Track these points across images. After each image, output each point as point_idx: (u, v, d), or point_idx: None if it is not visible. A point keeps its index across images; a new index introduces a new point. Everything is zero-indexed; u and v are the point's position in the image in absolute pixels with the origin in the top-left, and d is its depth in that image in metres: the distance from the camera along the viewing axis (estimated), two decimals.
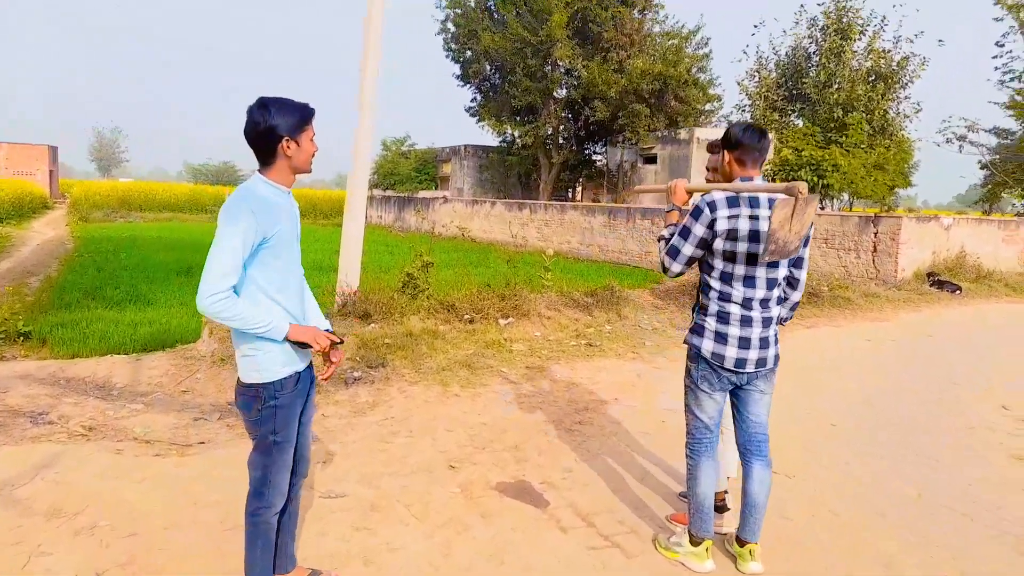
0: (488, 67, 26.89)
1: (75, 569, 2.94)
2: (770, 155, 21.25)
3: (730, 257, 2.95)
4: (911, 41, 24.80)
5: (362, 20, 7.45)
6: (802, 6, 26.84)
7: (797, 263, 3.14)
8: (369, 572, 3.04)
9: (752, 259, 2.93)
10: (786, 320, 3.26)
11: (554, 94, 25.70)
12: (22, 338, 7.12)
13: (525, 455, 4.47)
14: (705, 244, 2.98)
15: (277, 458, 2.55)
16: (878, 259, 13.79)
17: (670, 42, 25.11)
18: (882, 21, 24.65)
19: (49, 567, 2.95)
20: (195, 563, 3.02)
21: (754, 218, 2.91)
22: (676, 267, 3.05)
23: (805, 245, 3.09)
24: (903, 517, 3.82)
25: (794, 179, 16.35)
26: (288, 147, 2.43)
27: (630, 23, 24.49)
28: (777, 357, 3.09)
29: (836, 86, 24.96)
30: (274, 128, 2.39)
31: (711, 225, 2.93)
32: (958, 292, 13.06)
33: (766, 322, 3.03)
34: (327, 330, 2.67)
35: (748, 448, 3.16)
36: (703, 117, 26.77)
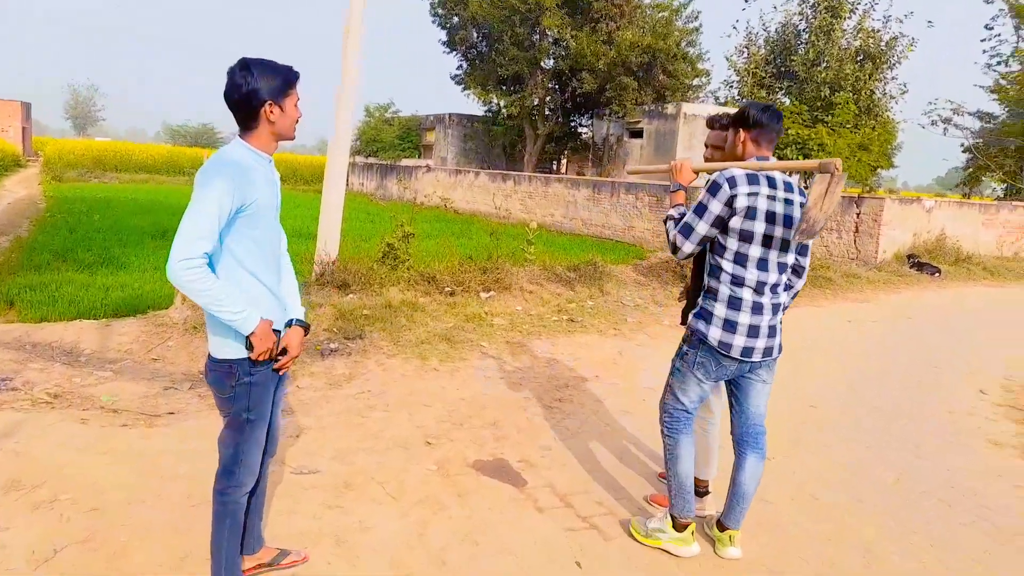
0: (475, 34, 26.40)
1: (31, 545, 2.82)
2: None
3: (747, 237, 2.80)
4: (900, 21, 24.71)
5: None
6: None
7: (802, 250, 3.03)
8: (341, 552, 2.95)
9: (767, 241, 2.81)
10: (785, 308, 3.10)
11: (541, 64, 25.33)
12: None
13: (504, 432, 4.39)
14: (721, 223, 2.81)
15: (250, 436, 2.45)
16: (860, 240, 13.81)
17: (660, 14, 24.79)
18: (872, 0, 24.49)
19: (4, 543, 2.83)
20: (158, 540, 2.91)
21: (772, 198, 2.79)
22: (688, 247, 2.87)
23: None
24: (883, 503, 3.80)
25: (780, 158, 16.26)
26: (271, 112, 2.30)
27: None
28: (781, 346, 2.99)
29: (824, 65, 24.84)
30: (256, 91, 2.25)
31: (730, 202, 2.77)
32: (937, 275, 13.14)
33: (775, 309, 2.91)
34: (298, 320, 2.54)
35: (745, 440, 3.08)
36: (691, 92, 26.55)
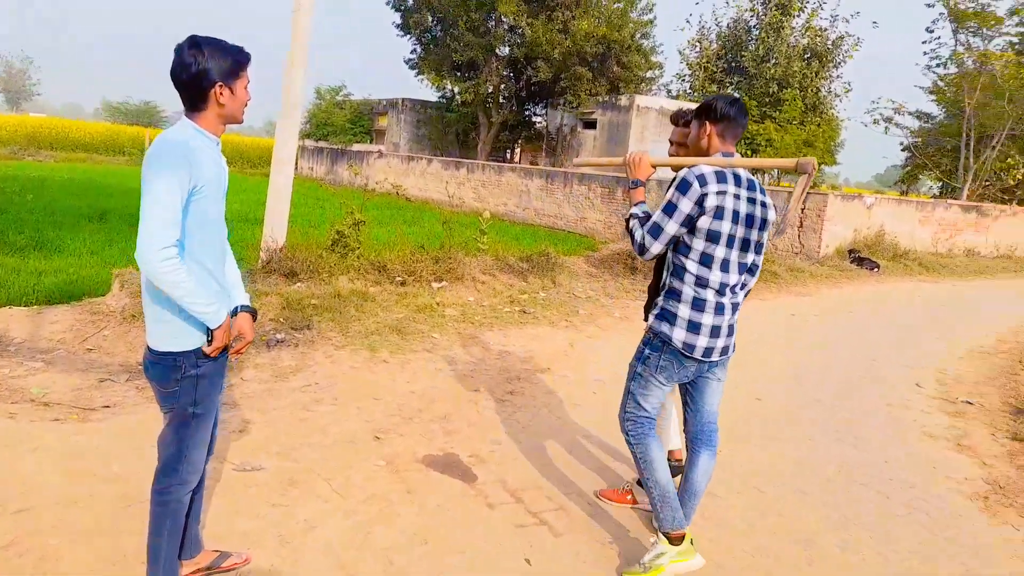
0: (430, 18, 26.00)
1: None
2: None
3: (714, 238, 2.71)
4: (847, 21, 25.39)
5: None
6: None
7: (758, 249, 2.93)
8: (284, 553, 2.87)
9: (732, 241, 2.74)
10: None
11: (497, 51, 25.13)
12: None
13: (454, 426, 4.35)
14: (690, 222, 2.70)
15: (195, 432, 2.36)
16: (803, 235, 14.17)
17: (616, 5, 24.82)
18: None
19: None
20: (90, 544, 2.78)
21: (738, 197, 2.73)
22: (657, 247, 2.75)
23: (763, 228, 2.87)
24: (824, 495, 3.90)
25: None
26: (221, 94, 2.20)
27: None
28: (735, 344, 2.97)
29: (773, 61, 25.36)
30: (207, 72, 2.16)
31: (700, 201, 2.67)
32: (876, 269, 13.57)
33: (734, 308, 2.87)
34: (245, 307, 2.46)
35: (699, 439, 3.06)
36: (644, 84, 26.75)
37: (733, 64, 27.09)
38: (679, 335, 2.80)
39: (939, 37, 23.76)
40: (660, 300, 2.93)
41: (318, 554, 2.88)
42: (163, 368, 2.27)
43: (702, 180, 2.69)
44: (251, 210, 13.33)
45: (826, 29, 25.91)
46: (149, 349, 2.30)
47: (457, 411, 4.61)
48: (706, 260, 2.75)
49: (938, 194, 27.10)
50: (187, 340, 2.26)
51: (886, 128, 24.99)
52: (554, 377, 5.53)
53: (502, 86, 26.14)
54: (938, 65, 24.21)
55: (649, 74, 26.74)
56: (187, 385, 2.28)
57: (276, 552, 2.86)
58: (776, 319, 8.63)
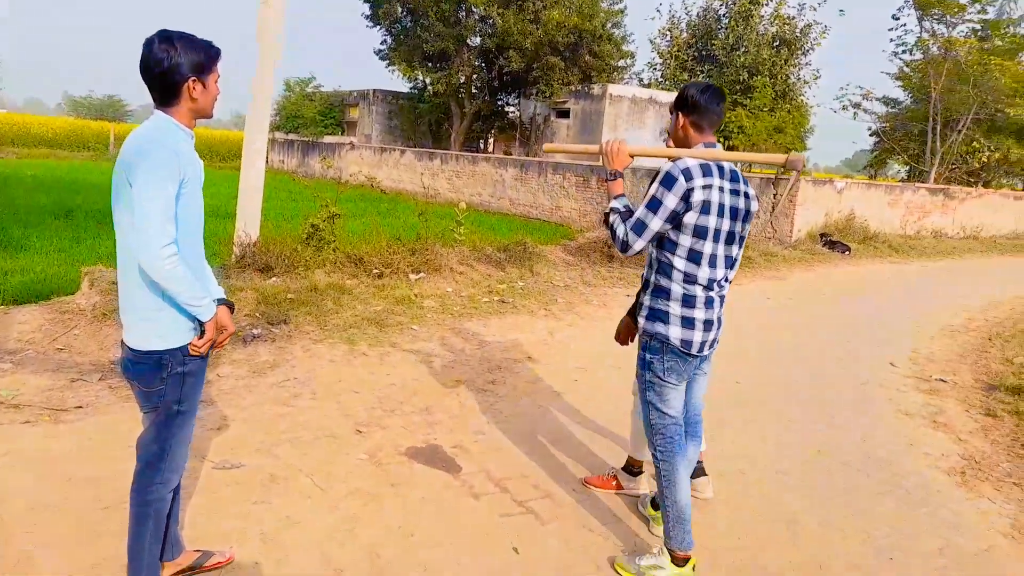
0: (399, 8, 25.73)
1: None
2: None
3: (701, 233, 2.64)
4: (814, 9, 25.62)
5: None
6: None
7: (740, 241, 2.86)
8: (268, 550, 2.82)
9: (718, 236, 2.68)
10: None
11: (468, 41, 24.96)
12: None
13: (436, 418, 4.31)
14: (675, 217, 2.61)
15: (179, 430, 2.33)
16: (776, 219, 14.31)
17: None
18: None
19: None
20: (66, 549, 2.70)
21: (723, 190, 2.66)
22: (640, 244, 2.65)
23: (747, 221, 2.82)
24: (805, 475, 3.94)
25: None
26: (194, 88, 2.19)
27: None
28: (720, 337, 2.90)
29: (743, 49, 25.56)
30: (179, 66, 2.14)
31: (686, 196, 2.58)
32: (848, 252, 13.76)
33: (722, 301, 2.81)
34: (221, 299, 2.41)
35: (686, 431, 3.02)
36: (616, 73, 26.78)
37: (704, 53, 27.24)
38: (675, 332, 2.72)
39: (905, 24, 24.19)
40: (647, 299, 2.82)
41: (302, 550, 2.84)
42: (147, 367, 2.24)
43: (687, 174, 2.59)
44: (222, 204, 13.09)
45: (794, 17, 26.16)
46: (131, 349, 2.25)
47: (439, 402, 4.57)
48: (694, 256, 2.68)
49: (906, 178, 27.55)
50: (174, 338, 2.23)
51: (855, 114, 25.35)
52: (535, 366, 5.51)
53: (474, 76, 25.98)
54: (904, 51, 24.61)
55: (621, 63, 26.75)
56: (172, 383, 2.26)
57: (259, 550, 2.81)
58: (751, 303, 8.71)
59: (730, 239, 2.74)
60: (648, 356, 2.81)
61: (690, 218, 2.62)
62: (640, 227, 2.65)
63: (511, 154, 25.57)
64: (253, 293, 6.20)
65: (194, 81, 2.18)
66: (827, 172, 75.06)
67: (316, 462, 3.59)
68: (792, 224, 14.06)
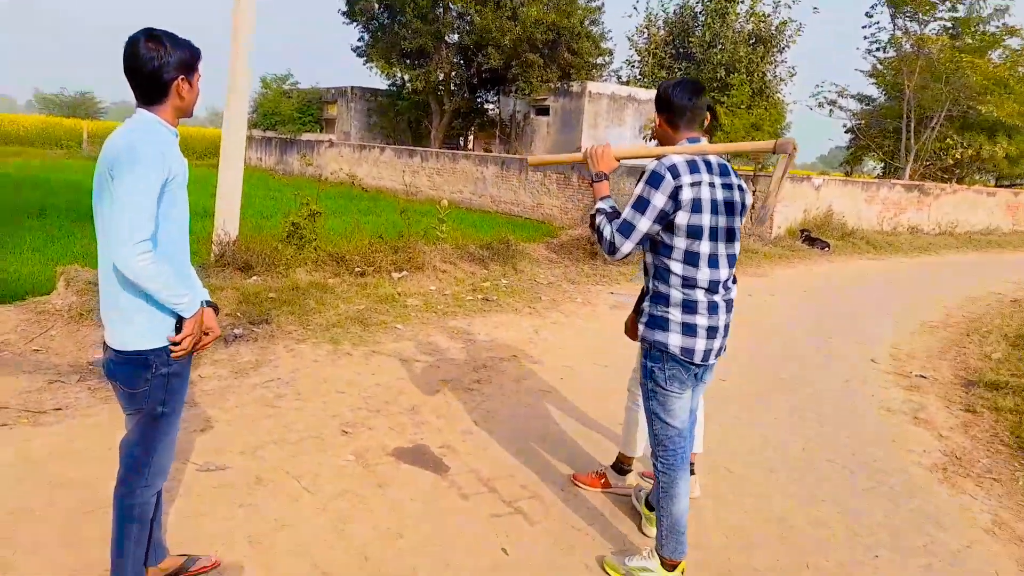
0: (376, 5, 25.55)
1: None
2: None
3: (696, 233, 2.53)
4: (789, 7, 25.83)
5: None
6: None
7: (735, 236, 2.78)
8: (255, 554, 2.77)
9: (715, 234, 2.57)
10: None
11: (446, 39, 24.84)
12: None
13: (423, 418, 4.28)
14: (664, 217, 2.51)
15: (164, 433, 2.29)
16: (756, 216, 14.41)
17: None
18: None
19: None
20: (47, 555, 2.64)
21: (713, 185, 2.54)
22: (628, 246, 2.54)
23: (742, 214, 2.73)
24: (792, 473, 3.96)
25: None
26: (182, 87, 2.17)
27: None
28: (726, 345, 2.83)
29: (720, 47, 25.71)
30: (168, 65, 2.12)
31: (675, 194, 2.48)
32: (827, 249, 13.91)
33: (728, 306, 2.69)
34: (206, 301, 2.38)
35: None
36: (595, 71, 26.83)
37: (681, 50, 27.37)
38: (675, 340, 2.61)
39: (878, 22, 24.48)
40: (647, 306, 2.72)
41: (290, 553, 2.80)
42: (132, 368, 2.20)
43: (674, 171, 2.50)
44: (201, 202, 12.85)
45: (769, 15, 26.38)
46: (114, 350, 2.21)
47: (425, 402, 4.54)
48: (691, 259, 2.56)
49: (881, 174, 27.90)
50: (158, 337, 2.20)
51: (830, 111, 25.62)
52: (521, 364, 5.50)
53: (453, 73, 25.86)
54: (878, 49, 24.87)
55: (599, 60, 26.81)
56: (157, 384, 2.22)
57: (246, 553, 2.77)
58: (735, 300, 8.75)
59: (729, 236, 2.64)
60: (649, 364, 2.71)
61: (682, 218, 2.52)
62: (627, 228, 2.55)
63: (491, 151, 25.53)
64: (233, 292, 6.12)
65: (182, 80, 2.17)
66: (803, 169, 75.81)
67: (302, 464, 3.54)
68: (772, 221, 14.17)
